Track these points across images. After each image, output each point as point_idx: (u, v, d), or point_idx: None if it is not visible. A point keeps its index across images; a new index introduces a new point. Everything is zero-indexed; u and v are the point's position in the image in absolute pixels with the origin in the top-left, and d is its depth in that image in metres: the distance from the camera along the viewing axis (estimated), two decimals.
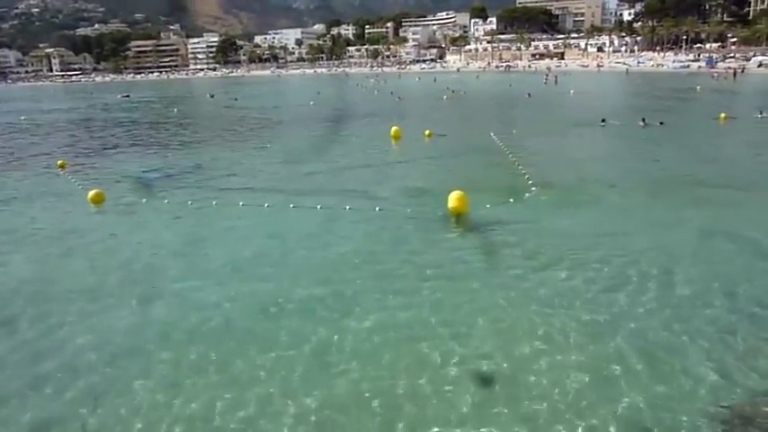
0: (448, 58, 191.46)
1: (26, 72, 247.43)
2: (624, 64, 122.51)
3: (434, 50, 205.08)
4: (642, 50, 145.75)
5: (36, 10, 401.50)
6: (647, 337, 8.63)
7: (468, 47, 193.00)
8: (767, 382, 7.42)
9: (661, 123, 31.92)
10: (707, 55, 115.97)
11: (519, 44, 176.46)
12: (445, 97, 61.41)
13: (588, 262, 11.56)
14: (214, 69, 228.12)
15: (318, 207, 16.29)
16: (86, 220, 17.06)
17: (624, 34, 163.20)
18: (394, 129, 31.37)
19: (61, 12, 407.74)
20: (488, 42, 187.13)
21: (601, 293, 10.15)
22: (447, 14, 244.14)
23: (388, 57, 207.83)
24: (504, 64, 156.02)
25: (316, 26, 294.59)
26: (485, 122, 37.52)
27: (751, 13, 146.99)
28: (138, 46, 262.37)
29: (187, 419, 7.20)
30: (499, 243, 13.09)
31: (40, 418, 7.40)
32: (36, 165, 27.16)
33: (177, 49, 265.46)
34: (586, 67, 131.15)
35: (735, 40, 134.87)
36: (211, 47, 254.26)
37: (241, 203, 17.18)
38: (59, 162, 25.85)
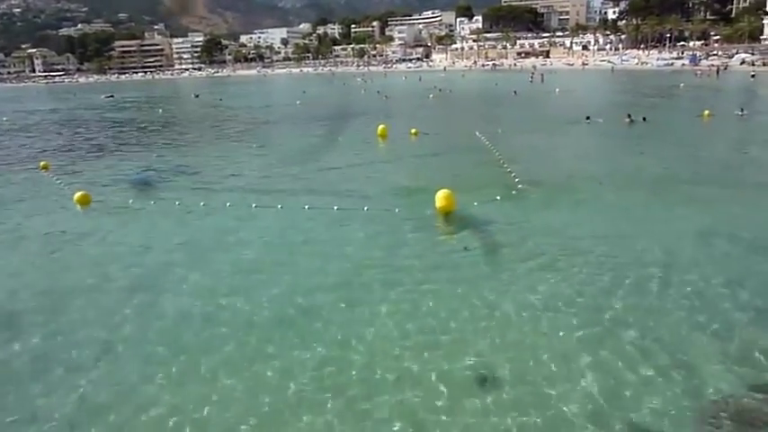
0: (434, 56, 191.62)
1: (8, 73, 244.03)
2: (609, 62, 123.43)
3: (420, 49, 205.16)
4: (627, 48, 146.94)
5: (18, 10, 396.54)
6: (640, 333, 8.69)
7: (454, 46, 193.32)
8: (762, 376, 7.51)
9: (644, 119, 32.22)
10: (690, 53, 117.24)
11: (505, 43, 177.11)
12: (431, 96, 61.49)
13: (576, 259, 11.65)
14: (199, 69, 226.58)
15: (306, 207, 16.24)
16: (74, 222, 16.86)
17: (609, 32, 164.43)
18: (381, 127, 31.39)
19: (43, 12, 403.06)
20: (474, 41, 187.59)
21: (589, 290, 10.23)
22: (433, 13, 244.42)
23: (374, 56, 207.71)
24: (491, 62, 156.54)
25: (302, 25, 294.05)
26: (471, 121, 37.62)
27: (733, 11, 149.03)
28: (123, 46, 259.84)
29: (187, 424, 7.17)
30: (487, 241, 13.12)
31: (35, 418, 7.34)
32: (18, 166, 26.79)
33: (162, 49, 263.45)
34: (572, 65, 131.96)
35: (717, 37, 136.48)
36: (196, 47, 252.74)
37: (228, 204, 17.09)
38: (42, 163, 25.55)
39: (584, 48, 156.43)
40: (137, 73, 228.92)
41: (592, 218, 14.79)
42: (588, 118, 33.29)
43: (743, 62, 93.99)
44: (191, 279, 11.72)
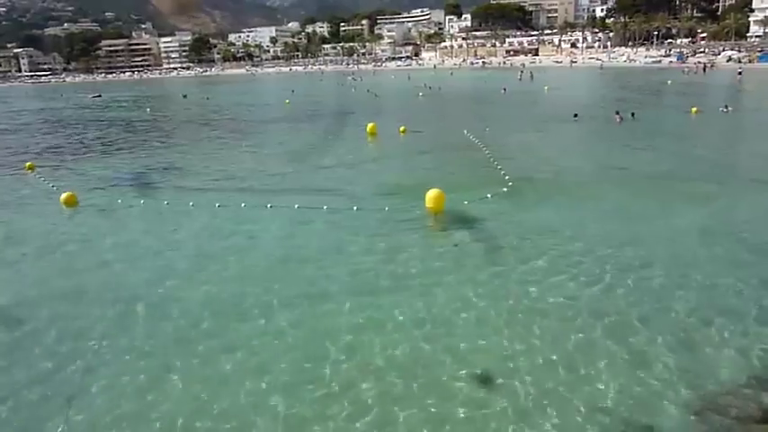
0: (423, 55, 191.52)
1: None
2: (598, 60, 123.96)
3: (410, 48, 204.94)
4: (615, 46, 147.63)
5: (3, 9, 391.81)
6: (626, 328, 8.75)
7: (443, 44, 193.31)
8: (741, 371, 7.57)
9: (633, 115, 32.45)
10: (677, 50, 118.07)
11: (494, 41, 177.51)
12: (421, 94, 61.49)
13: (567, 256, 11.70)
14: (188, 68, 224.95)
15: (296, 207, 16.17)
16: (60, 223, 16.69)
17: (597, 30, 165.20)
18: (370, 126, 31.39)
19: (29, 11, 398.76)
20: (463, 39, 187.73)
21: (580, 286, 10.27)
22: (422, 11, 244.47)
23: (363, 54, 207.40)
24: (480, 61, 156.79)
25: (290, 24, 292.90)
26: (461, 118, 37.72)
27: (720, 9, 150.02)
28: (110, 45, 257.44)
29: (167, 421, 7.11)
30: (477, 239, 13.14)
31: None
32: (3, 167, 26.48)
33: (149, 49, 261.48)
34: (560, 63, 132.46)
35: (704, 35, 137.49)
36: (184, 46, 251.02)
37: (217, 204, 16.98)
38: (28, 164, 25.29)
39: (573, 45, 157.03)
40: (124, 72, 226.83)
41: (581, 214, 14.84)
42: (576, 115, 33.43)
43: (729, 59, 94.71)
44: (180, 279, 11.63)
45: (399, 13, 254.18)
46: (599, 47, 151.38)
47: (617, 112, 32.36)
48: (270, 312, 9.90)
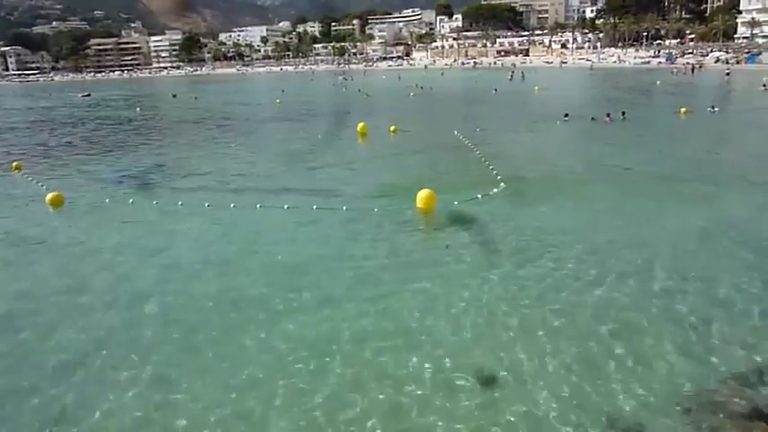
0: (414, 55, 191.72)
1: None
2: (588, 60, 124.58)
3: (401, 48, 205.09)
4: (605, 47, 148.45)
5: None
6: (623, 327, 8.72)
7: (434, 44, 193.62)
8: (738, 368, 7.59)
9: (623, 114, 32.65)
10: (666, 51, 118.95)
11: (485, 41, 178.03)
12: (412, 94, 61.51)
13: (558, 255, 11.67)
14: (178, 68, 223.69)
15: (285, 207, 16.08)
16: (45, 224, 16.46)
17: (587, 31, 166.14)
18: (360, 125, 31.35)
19: (17, 9, 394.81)
20: (454, 39, 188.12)
21: (572, 286, 10.24)
22: (413, 11, 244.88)
23: (354, 54, 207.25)
24: (471, 61, 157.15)
25: (281, 23, 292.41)
26: (452, 118, 37.77)
27: (708, 11, 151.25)
28: (99, 44, 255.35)
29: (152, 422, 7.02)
30: (468, 239, 13.12)
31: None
32: None
33: (139, 48, 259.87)
34: (551, 63, 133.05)
35: (692, 36, 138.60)
36: (175, 45, 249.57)
37: (207, 204, 16.85)
38: (15, 164, 24.97)
39: (563, 46, 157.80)
40: (114, 71, 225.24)
41: (573, 214, 14.84)
42: (567, 115, 33.54)
43: (717, 60, 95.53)
44: (169, 280, 11.50)
45: (390, 13, 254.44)
46: (589, 47, 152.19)
47: (607, 114, 32.49)
48: (252, 312, 9.80)
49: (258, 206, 16.38)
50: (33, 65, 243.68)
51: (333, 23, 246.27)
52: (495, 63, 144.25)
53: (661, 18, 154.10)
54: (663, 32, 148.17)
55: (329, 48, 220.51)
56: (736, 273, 10.49)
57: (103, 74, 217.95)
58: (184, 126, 43.76)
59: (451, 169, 21.50)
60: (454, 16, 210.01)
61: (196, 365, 8.31)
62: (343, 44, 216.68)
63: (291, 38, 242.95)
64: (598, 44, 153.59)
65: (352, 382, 7.71)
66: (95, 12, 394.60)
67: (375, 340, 8.74)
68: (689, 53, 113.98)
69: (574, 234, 13.05)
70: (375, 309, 9.75)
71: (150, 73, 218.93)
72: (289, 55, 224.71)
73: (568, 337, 8.56)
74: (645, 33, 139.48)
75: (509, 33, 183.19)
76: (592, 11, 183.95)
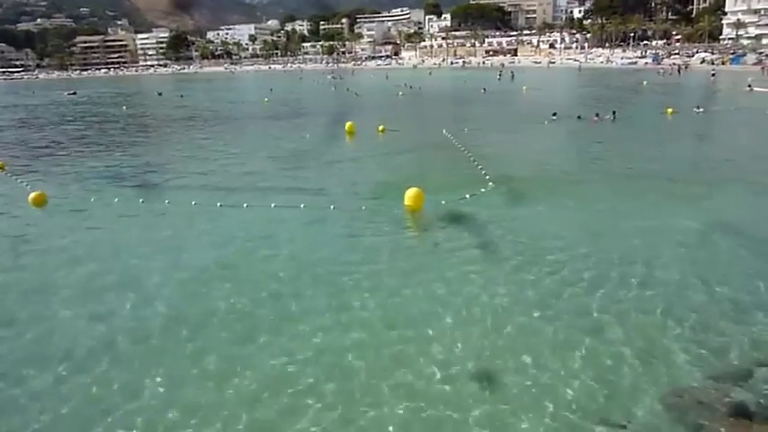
0: (403, 54, 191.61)
1: None
2: (576, 60, 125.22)
3: (390, 47, 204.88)
4: (592, 47, 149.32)
5: None
6: (612, 326, 8.78)
7: (423, 43, 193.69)
8: (738, 368, 7.65)
9: (614, 113, 32.86)
10: (653, 52, 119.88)
11: (473, 41, 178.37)
12: (400, 93, 61.48)
13: (546, 255, 11.71)
14: (165, 66, 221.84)
15: (273, 206, 15.98)
16: (26, 223, 16.25)
17: (575, 31, 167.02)
18: (348, 124, 31.27)
19: (1, 6, 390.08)
20: (443, 39, 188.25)
21: (558, 285, 10.28)
22: (402, 11, 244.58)
23: (343, 53, 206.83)
24: (460, 60, 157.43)
25: (269, 22, 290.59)
26: (440, 118, 37.75)
27: (694, 12, 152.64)
28: (85, 42, 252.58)
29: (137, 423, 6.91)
30: (456, 238, 13.11)
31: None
32: None
33: (126, 45, 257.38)
34: (539, 63, 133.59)
35: (679, 37, 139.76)
36: (162, 42, 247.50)
37: (193, 203, 16.71)
38: None
39: (551, 46, 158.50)
40: (100, 69, 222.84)
41: (561, 214, 14.88)
42: (555, 114, 33.65)
43: (703, 61, 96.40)
44: (153, 280, 11.39)
45: (379, 12, 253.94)
46: (577, 48, 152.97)
47: (596, 114, 32.66)
48: (241, 311, 9.73)
49: (245, 205, 16.26)
50: (18, 63, 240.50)
51: (321, 22, 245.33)
52: (483, 63, 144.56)
53: (648, 19, 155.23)
54: (649, 33, 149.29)
55: (318, 47, 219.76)
56: (727, 271, 10.58)
57: (89, 72, 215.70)
58: (171, 124, 43.40)
59: (440, 169, 21.49)
60: (443, 16, 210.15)
61: (181, 363, 8.22)
62: (331, 43, 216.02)
63: (280, 36, 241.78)
64: (586, 44, 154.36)
65: (330, 382, 7.65)
66: (81, 9, 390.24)
67: (364, 337, 8.69)
68: (675, 54, 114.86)
69: (562, 233, 13.07)
70: (360, 306, 9.72)
71: (137, 71, 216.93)
72: (277, 53, 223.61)
73: (558, 335, 8.60)
74: (632, 34, 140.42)
75: (497, 33, 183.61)
76: (580, 11, 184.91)
